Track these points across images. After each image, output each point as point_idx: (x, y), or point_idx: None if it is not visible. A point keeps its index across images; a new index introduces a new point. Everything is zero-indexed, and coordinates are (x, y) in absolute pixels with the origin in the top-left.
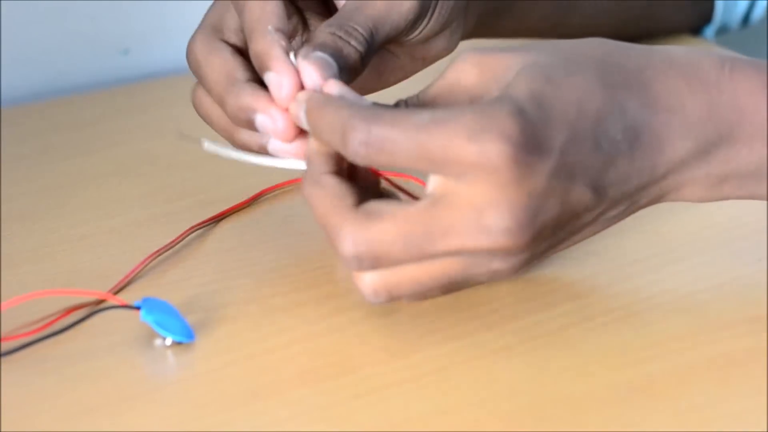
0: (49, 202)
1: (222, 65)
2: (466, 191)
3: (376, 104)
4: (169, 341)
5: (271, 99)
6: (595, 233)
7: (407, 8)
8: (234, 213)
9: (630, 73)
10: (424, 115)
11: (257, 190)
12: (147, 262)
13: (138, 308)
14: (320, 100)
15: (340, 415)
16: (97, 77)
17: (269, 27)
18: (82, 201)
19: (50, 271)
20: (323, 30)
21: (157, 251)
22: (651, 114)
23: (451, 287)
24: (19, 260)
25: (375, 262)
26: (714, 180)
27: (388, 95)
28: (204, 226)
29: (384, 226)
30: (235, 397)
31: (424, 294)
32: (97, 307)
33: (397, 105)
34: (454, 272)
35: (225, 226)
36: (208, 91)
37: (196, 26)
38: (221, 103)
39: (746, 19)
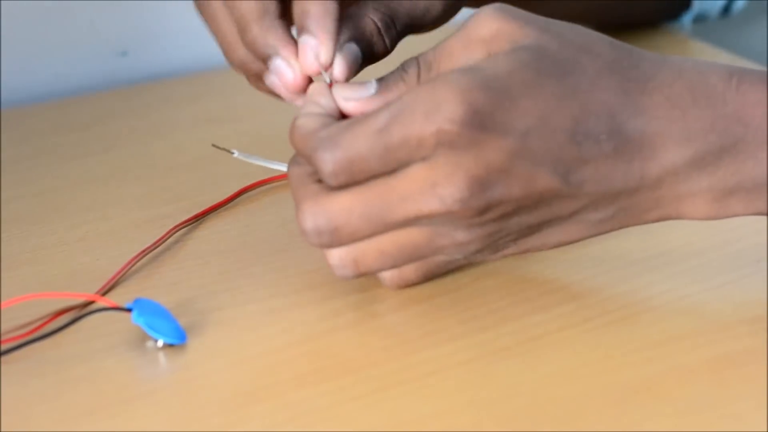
0: (48, 203)
1: None
2: (425, 165)
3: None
4: (160, 343)
5: (296, 49)
6: (580, 236)
7: None
8: (224, 212)
9: (633, 81)
10: (382, 116)
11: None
12: (131, 263)
13: (129, 310)
14: (295, 125)
15: (339, 416)
16: (95, 79)
17: (266, 13)
18: (81, 203)
19: (49, 273)
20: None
21: (141, 253)
22: (646, 121)
23: (424, 265)
24: (18, 262)
25: (334, 234)
26: (718, 194)
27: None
28: (186, 225)
29: (342, 198)
30: (230, 400)
31: (393, 266)
32: (87, 309)
33: (410, 63)
34: (419, 241)
35: (217, 226)
36: (232, 7)
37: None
38: (244, 28)
39: (727, 9)
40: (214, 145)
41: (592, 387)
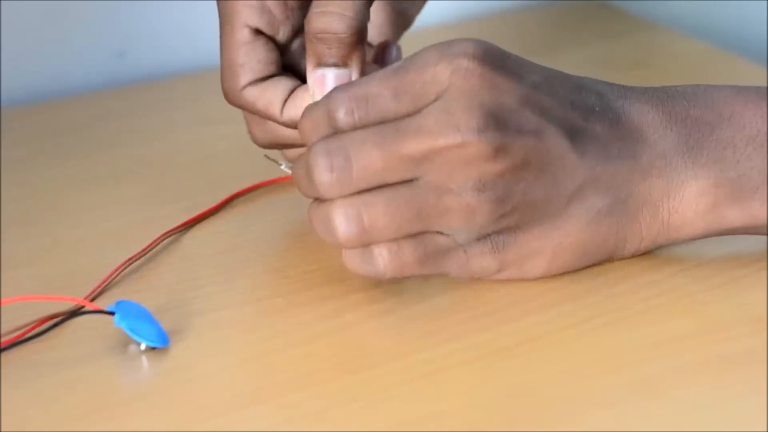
0: (46, 204)
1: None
2: (442, 102)
3: None
4: (143, 346)
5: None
6: (578, 235)
7: None
8: (220, 214)
9: (608, 83)
10: (398, 61)
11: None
12: (122, 268)
13: (112, 313)
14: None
15: (337, 417)
16: (93, 80)
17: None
18: (79, 203)
19: (47, 274)
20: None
21: (131, 258)
22: (630, 105)
23: (422, 246)
24: (16, 263)
25: (346, 165)
26: (704, 185)
27: None
28: (177, 232)
29: (355, 132)
30: (223, 403)
31: (398, 229)
32: (71, 313)
33: None
34: (428, 198)
35: (214, 228)
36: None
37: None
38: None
39: None
40: (266, 156)
41: (591, 387)
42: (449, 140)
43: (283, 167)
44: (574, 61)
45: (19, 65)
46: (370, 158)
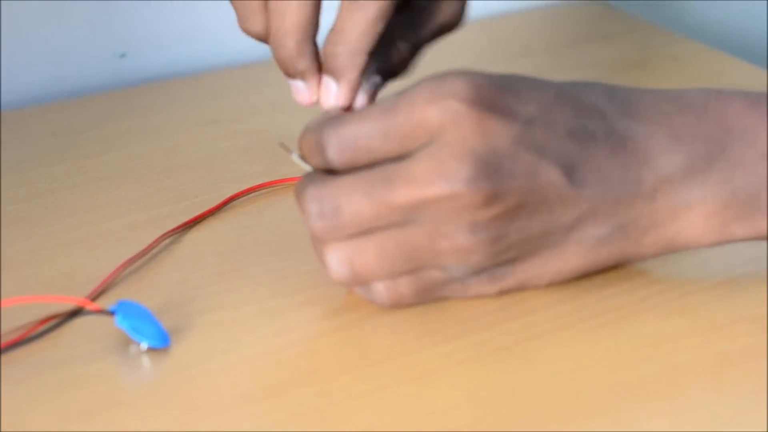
0: (48, 205)
1: (308, 12)
2: (432, 150)
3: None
4: (144, 346)
5: (320, 78)
6: (578, 261)
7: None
8: (221, 214)
9: (616, 92)
10: (389, 99)
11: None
12: (122, 268)
13: (113, 313)
14: (305, 126)
15: (338, 416)
16: (95, 81)
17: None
18: (80, 204)
19: (48, 274)
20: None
21: (131, 258)
22: (635, 124)
23: (420, 281)
24: (18, 263)
25: (336, 214)
26: (713, 206)
27: None
28: (177, 232)
29: (346, 178)
30: (224, 402)
31: (390, 270)
32: (71, 313)
33: None
34: (420, 241)
35: (215, 228)
36: (273, 12)
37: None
38: (280, 40)
39: None
40: (280, 144)
41: (590, 386)
42: (438, 191)
43: (294, 157)
44: (574, 61)
45: (20, 66)
46: (359, 206)
